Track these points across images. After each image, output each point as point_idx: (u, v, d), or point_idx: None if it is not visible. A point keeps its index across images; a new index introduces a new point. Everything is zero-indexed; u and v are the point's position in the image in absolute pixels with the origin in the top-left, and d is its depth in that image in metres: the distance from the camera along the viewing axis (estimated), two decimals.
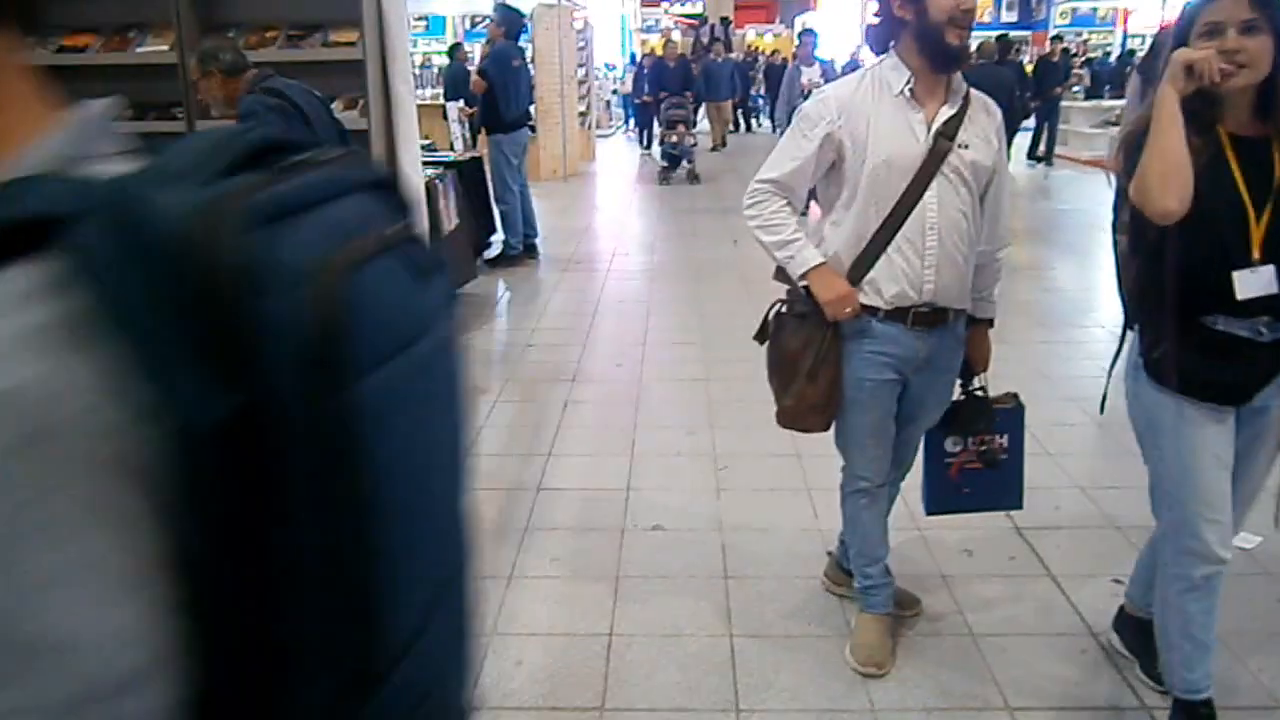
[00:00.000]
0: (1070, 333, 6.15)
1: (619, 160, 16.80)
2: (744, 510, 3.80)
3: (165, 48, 5.44)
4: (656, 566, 3.39)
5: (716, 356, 5.68)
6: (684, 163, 13.08)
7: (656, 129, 14.77)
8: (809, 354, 2.55)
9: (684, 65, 14.43)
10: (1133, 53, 16.65)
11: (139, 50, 5.50)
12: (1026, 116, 14.15)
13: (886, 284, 2.46)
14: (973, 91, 2.48)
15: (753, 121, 21.89)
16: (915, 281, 2.45)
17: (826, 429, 2.70)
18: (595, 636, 2.97)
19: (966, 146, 2.41)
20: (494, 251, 8.08)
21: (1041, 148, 14.19)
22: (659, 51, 16.02)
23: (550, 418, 4.75)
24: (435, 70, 15.50)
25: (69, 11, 5.67)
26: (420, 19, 18.32)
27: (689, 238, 9.34)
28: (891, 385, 2.59)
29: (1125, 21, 21.04)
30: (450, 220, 6.58)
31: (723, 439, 4.47)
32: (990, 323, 2.73)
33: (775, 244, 2.52)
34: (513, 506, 3.85)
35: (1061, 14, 23.33)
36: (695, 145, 13.31)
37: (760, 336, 2.76)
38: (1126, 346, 2.40)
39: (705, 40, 20.27)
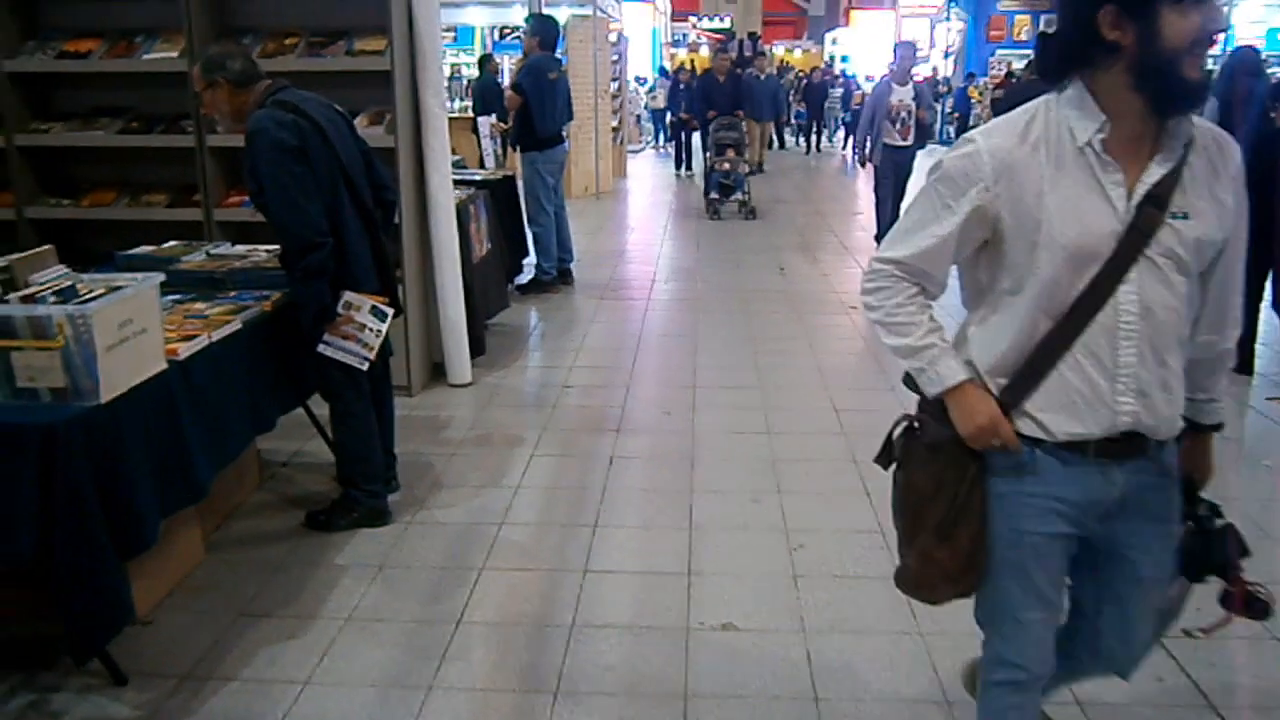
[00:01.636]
0: None
1: (651, 177, 16.26)
2: (828, 605, 3.22)
3: (174, 54, 4.95)
4: (730, 682, 2.82)
5: (775, 403, 5.11)
6: (737, 194, 11.41)
7: (697, 148, 14.05)
8: (941, 501, 1.90)
9: (734, 81, 12.74)
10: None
11: (145, 57, 5.01)
12: None
13: (1057, 412, 1.79)
14: (1198, 127, 1.76)
15: (786, 139, 21.27)
16: (1100, 409, 1.77)
17: (964, 596, 2.02)
18: None
19: (1185, 216, 1.72)
20: (526, 277, 7.54)
21: None
22: (694, 65, 15.44)
23: (594, 478, 4.19)
24: (464, 82, 15.05)
25: (70, 13, 5.19)
26: (448, 29, 17.90)
27: (732, 264, 8.78)
28: (1063, 542, 1.89)
29: None
30: (482, 245, 6.04)
31: (793, 508, 3.90)
32: (1216, 428, 2.00)
33: (903, 349, 1.91)
34: (556, 594, 3.29)
35: None
36: (750, 174, 11.75)
37: (883, 460, 2.08)
38: None
39: (747, 53, 19.51)
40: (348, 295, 3.49)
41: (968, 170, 1.79)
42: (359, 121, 4.95)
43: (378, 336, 3.58)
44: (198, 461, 2.93)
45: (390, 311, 3.66)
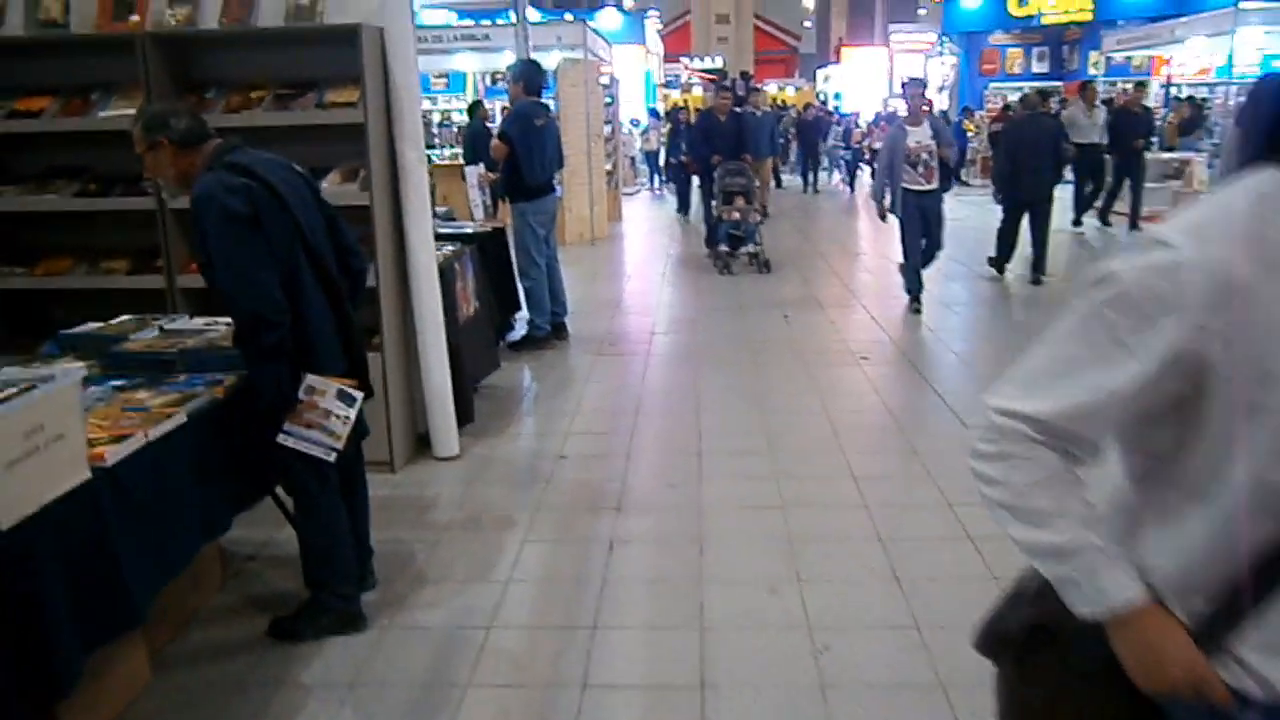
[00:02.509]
0: None
1: (647, 220, 15.94)
2: None
3: (132, 111, 4.54)
4: None
5: (788, 471, 4.71)
6: (748, 245, 10.37)
7: (697, 192, 13.48)
8: None
9: (737, 121, 11.58)
10: (1192, 99, 15.69)
11: (102, 114, 4.65)
12: (1065, 165, 13.17)
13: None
14: None
15: (783, 178, 21.00)
16: None
17: None
18: None
19: None
20: (519, 333, 7.16)
21: (1100, 206, 13.00)
22: (695, 104, 15.10)
23: (593, 568, 3.77)
24: (455, 129, 14.75)
25: (21, 69, 4.83)
26: (441, 76, 17.68)
27: (733, 311, 8.40)
28: None
29: (1160, 70, 20.18)
30: (470, 305, 5.66)
31: (816, 600, 3.48)
32: None
33: (1042, 548, 1.34)
34: (551, 717, 2.87)
35: (1094, 64, 22.51)
36: (762, 222, 10.54)
37: (987, 650, 1.54)
38: None
39: (741, 92, 19.19)
40: (310, 379, 3.10)
41: (1162, 292, 1.20)
42: (330, 178, 4.59)
43: (345, 424, 3.17)
44: (132, 583, 2.52)
45: (359, 396, 3.26)
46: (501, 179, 6.99)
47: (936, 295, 9.08)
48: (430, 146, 14.22)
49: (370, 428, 3.63)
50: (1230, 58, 12.56)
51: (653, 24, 25.43)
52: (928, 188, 7.92)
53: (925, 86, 8.35)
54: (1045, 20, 21.90)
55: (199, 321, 3.81)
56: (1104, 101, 13.63)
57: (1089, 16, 21.25)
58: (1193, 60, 17.42)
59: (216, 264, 2.96)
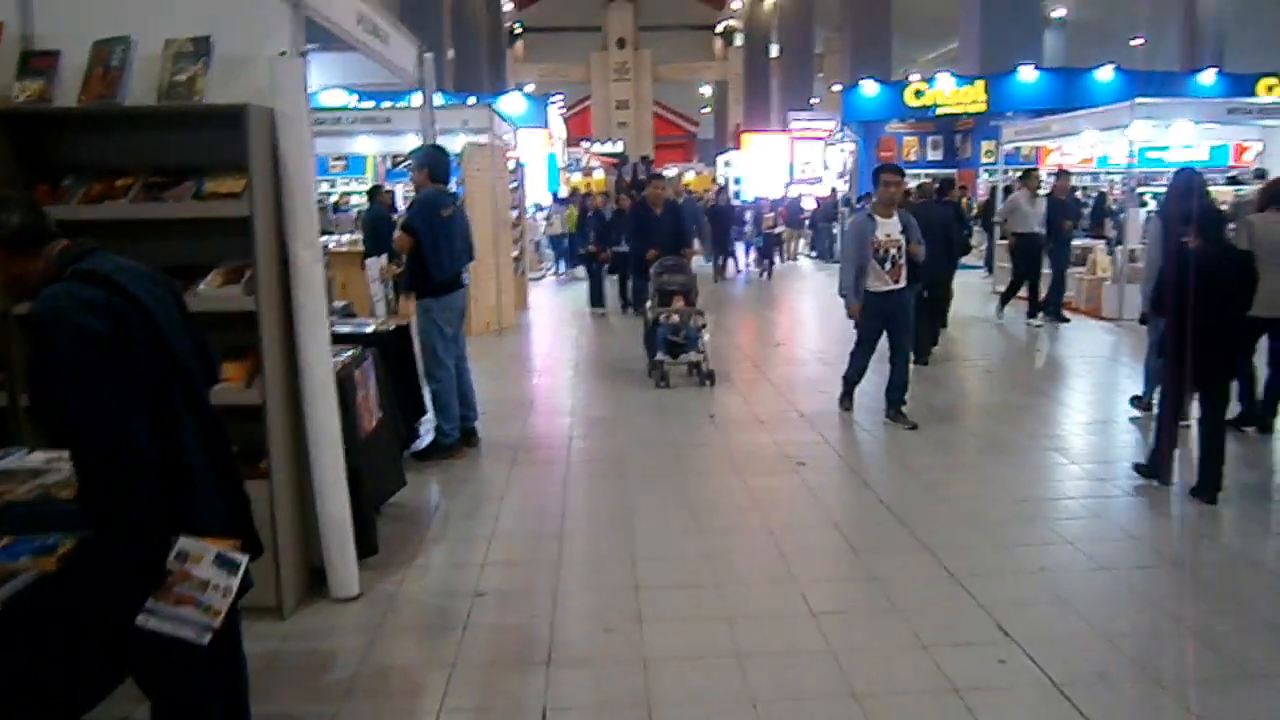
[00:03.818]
0: None
1: (554, 307, 15.45)
2: None
3: None
4: None
5: (738, 608, 4.17)
6: (691, 351, 8.86)
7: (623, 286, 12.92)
8: None
9: (674, 212, 10.35)
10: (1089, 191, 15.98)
11: None
12: (966, 253, 13.10)
13: None
14: None
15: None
16: None
17: None
18: None
19: None
20: (425, 441, 6.52)
21: (1003, 293, 12.71)
22: (598, 189, 14.69)
23: None
24: (354, 213, 14.11)
25: None
26: (339, 158, 17.04)
27: (654, 410, 7.90)
28: None
29: (1045, 159, 20.83)
30: (371, 417, 5.03)
31: None
32: None
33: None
34: None
35: (987, 152, 23.14)
36: (706, 326, 9.02)
37: None
38: None
39: (641, 176, 18.99)
40: (183, 543, 2.40)
41: None
42: (210, 280, 3.96)
43: (226, 596, 2.47)
44: None
45: (243, 560, 2.58)
46: (405, 273, 6.40)
47: (839, 365, 8.78)
48: (327, 232, 13.57)
49: (255, 573, 2.96)
50: (1132, 149, 12.78)
51: (556, 108, 25.29)
52: (894, 287, 7.06)
53: (904, 174, 7.37)
54: (940, 111, 22.42)
55: (39, 457, 3.12)
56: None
57: (983, 108, 21.83)
58: (1078, 151, 17.93)
59: (65, 401, 2.29)
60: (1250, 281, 5.49)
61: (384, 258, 7.00)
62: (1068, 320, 12.07)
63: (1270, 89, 20.88)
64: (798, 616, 4.10)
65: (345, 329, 6.19)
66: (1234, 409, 6.09)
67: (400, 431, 5.97)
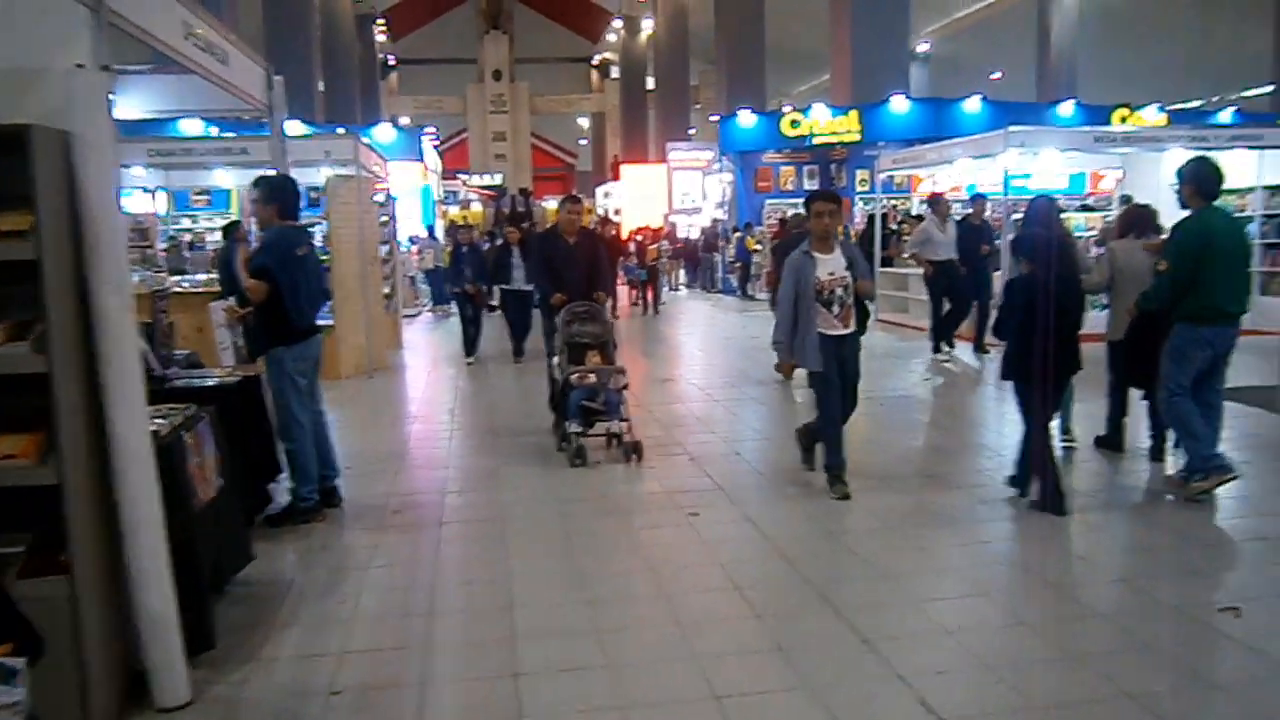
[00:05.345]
0: None
1: (431, 346, 14.79)
2: None
3: None
4: None
5: (635, 697, 3.67)
6: (611, 420, 7.30)
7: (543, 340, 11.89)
8: None
9: (591, 244, 8.43)
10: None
11: None
12: None
13: None
14: None
15: None
16: None
17: None
18: None
19: None
20: (280, 505, 5.84)
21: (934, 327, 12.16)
22: (475, 221, 13.86)
23: None
24: (210, 251, 13.21)
25: None
26: (201, 192, 16.00)
27: (534, 457, 7.36)
28: None
29: (917, 188, 21.25)
30: (209, 486, 4.37)
31: None
32: None
33: None
34: None
35: (862, 180, 23.46)
36: (627, 387, 7.45)
37: None
38: None
39: (520, 209, 18.43)
40: None
41: None
42: None
43: (15, 715, 1.94)
44: None
45: (20, 667, 2.04)
46: (257, 321, 5.71)
47: (728, 402, 8.41)
48: (180, 271, 12.63)
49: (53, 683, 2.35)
50: (1006, 176, 12.90)
51: (430, 140, 24.61)
52: (844, 331, 6.08)
53: (840, 201, 6.43)
54: (816, 141, 22.63)
55: None
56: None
57: (857, 138, 22.14)
58: (947, 180, 18.22)
59: None
60: (1075, 305, 5.82)
61: (231, 300, 6.29)
62: (953, 347, 11.98)
63: (1124, 119, 21.76)
64: (700, 701, 3.62)
65: (184, 382, 5.53)
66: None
67: (249, 497, 5.31)
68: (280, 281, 5.53)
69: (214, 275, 11.44)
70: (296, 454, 5.70)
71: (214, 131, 17.42)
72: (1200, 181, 5.87)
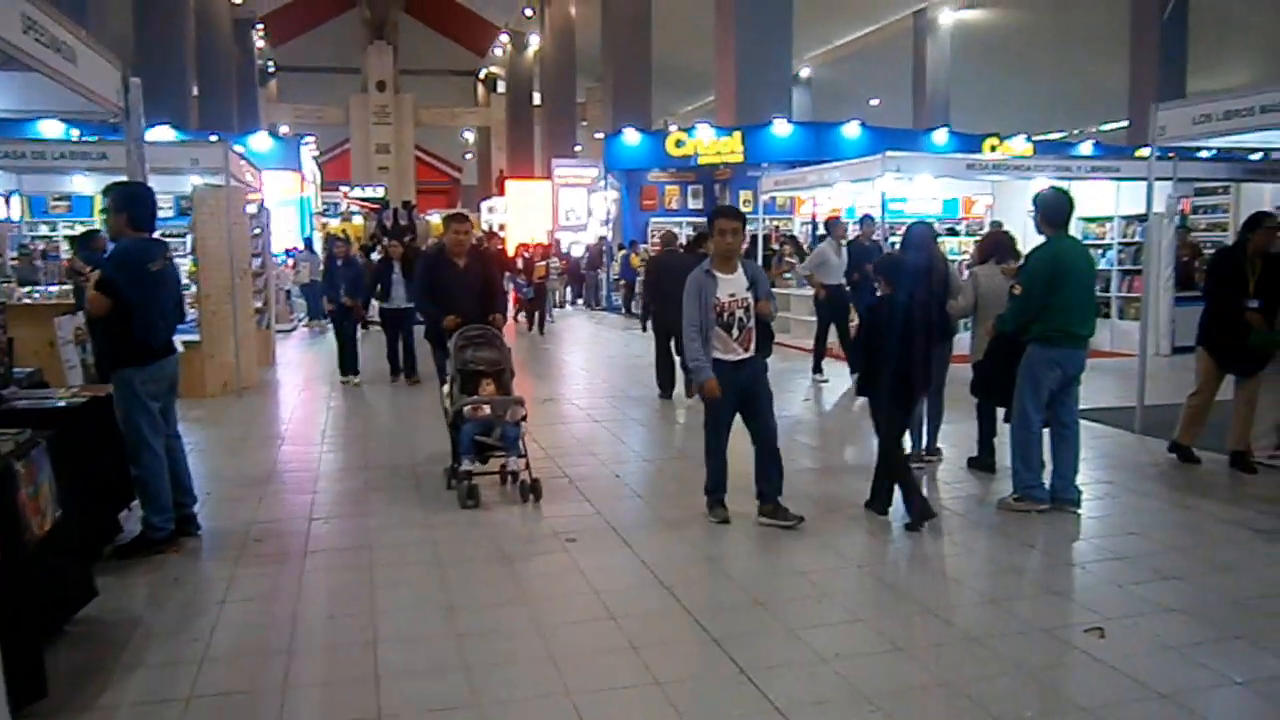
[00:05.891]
0: None
1: (305, 364, 14.30)
2: None
3: None
4: None
5: None
6: (509, 456, 6.72)
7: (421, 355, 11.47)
8: None
9: (481, 264, 7.83)
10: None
11: None
12: None
13: None
14: None
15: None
16: None
17: None
18: None
19: None
20: (130, 534, 5.48)
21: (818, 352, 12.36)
22: (355, 234, 13.41)
23: None
24: (63, 261, 12.50)
25: None
26: (60, 198, 15.20)
27: (408, 481, 7.12)
28: None
29: (800, 209, 21.66)
30: (44, 519, 4.05)
31: None
32: None
33: None
34: None
35: (745, 201, 23.77)
36: (526, 418, 6.92)
37: None
38: None
39: (402, 222, 17.97)
40: None
41: None
42: None
43: None
44: None
45: None
46: (104, 339, 5.35)
47: (609, 423, 8.33)
48: (32, 282, 11.91)
49: None
50: (884, 199, 13.21)
51: (309, 150, 23.93)
52: (744, 356, 5.87)
53: (745, 220, 6.07)
54: (701, 160, 22.84)
55: None
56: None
57: (740, 159, 22.43)
58: (828, 202, 18.62)
59: None
60: (929, 326, 6.21)
61: (79, 314, 5.90)
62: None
63: (993, 147, 22.62)
64: None
65: (24, 404, 5.16)
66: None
67: (96, 528, 4.97)
68: (129, 297, 5.19)
69: (67, 286, 10.84)
70: (147, 481, 5.35)
71: (75, 134, 16.56)
72: (1050, 211, 6.24)
